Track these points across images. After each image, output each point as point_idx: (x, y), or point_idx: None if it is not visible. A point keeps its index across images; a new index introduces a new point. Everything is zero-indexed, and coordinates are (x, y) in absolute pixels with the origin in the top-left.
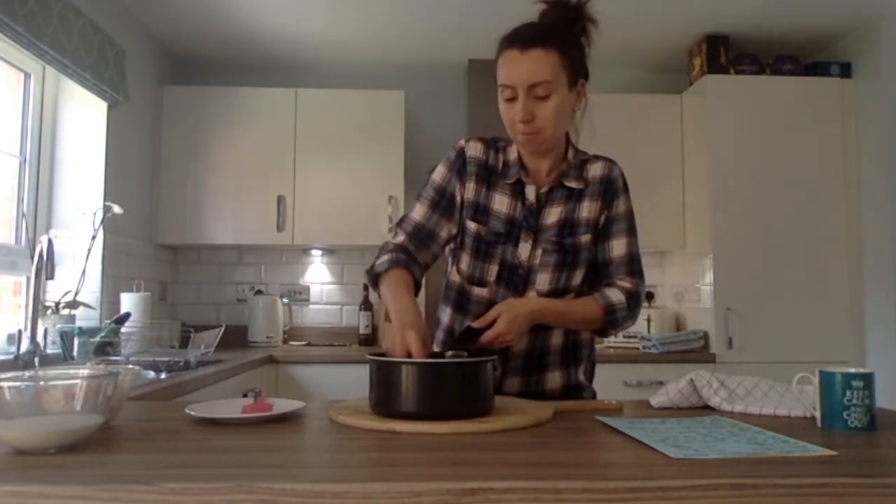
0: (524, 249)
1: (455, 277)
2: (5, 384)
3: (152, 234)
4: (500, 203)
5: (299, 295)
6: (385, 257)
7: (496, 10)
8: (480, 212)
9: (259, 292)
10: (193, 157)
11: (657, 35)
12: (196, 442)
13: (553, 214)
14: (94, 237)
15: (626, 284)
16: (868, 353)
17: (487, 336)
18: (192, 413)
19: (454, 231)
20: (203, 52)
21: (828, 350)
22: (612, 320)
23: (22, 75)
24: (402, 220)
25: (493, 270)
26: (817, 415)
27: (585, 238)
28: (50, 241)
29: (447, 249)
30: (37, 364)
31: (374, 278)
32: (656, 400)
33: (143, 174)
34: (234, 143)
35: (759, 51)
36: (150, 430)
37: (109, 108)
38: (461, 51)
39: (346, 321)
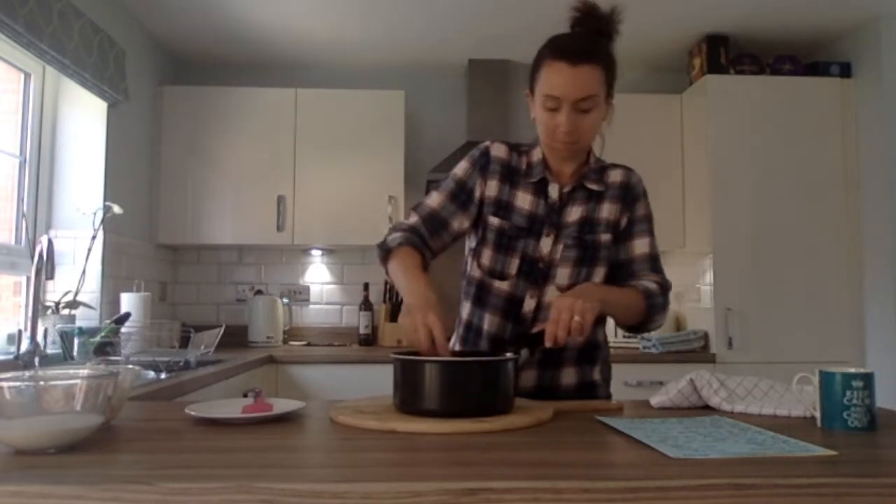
0: (545, 244)
1: (475, 273)
2: (5, 384)
3: (152, 234)
4: (523, 200)
5: (299, 295)
6: (398, 234)
7: (496, 11)
8: (503, 208)
9: (259, 292)
10: (193, 157)
11: (657, 35)
12: (196, 442)
13: (575, 213)
14: (94, 237)
15: (655, 277)
16: (868, 353)
17: (548, 333)
18: (192, 413)
19: (466, 225)
20: (203, 52)
21: (828, 350)
22: (651, 305)
23: (22, 75)
24: (417, 205)
25: (514, 264)
26: (817, 415)
27: (605, 237)
28: (50, 241)
29: (467, 248)
30: (37, 364)
31: (386, 253)
32: (656, 400)
33: (143, 174)
34: (234, 143)
35: (759, 51)
36: (150, 430)
37: (109, 108)
38: (461, 51)
39: (346, 321)
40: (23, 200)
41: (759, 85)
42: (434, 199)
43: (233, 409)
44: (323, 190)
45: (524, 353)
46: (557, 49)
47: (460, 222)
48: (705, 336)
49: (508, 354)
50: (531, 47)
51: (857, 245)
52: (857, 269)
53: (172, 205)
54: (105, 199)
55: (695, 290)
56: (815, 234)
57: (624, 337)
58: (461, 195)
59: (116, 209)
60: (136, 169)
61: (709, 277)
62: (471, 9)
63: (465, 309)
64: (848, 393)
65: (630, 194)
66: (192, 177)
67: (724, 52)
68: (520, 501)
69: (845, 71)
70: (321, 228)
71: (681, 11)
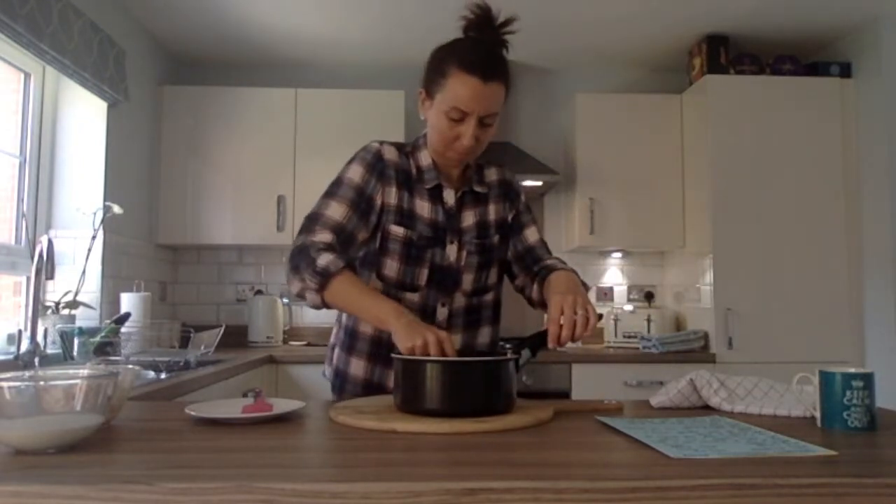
0: (451, 251)
1: (377, 285)
2: (5, 384)
3: (152, 234)
4: (422, 208)
5: None
6: (329, 256)
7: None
8: (406, 216)
9: (259, 292)
10: (193, 157)
11: (657, 35)
12: (196, 442)
13: (469, 217)
14: (94, 237)
15: (556, 257)
16: (868, 353)
17: (551, 335)
18: (192, 413)
19: (367, 236)
20: (203, 52)
21: (828, 350)
22: (582, 283)
23: (22, 75)
24: (316, 217)
25: (423, 274)
26: (817, 415)
27: (496, 238)
28: (50, 241)
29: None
30: (37, 364)
31: (326, 279)
32: (656, 400)
33: (143, 174)
34: (234, 143)
35: (759, 51)
36: (150, 430)
37: (109, 107)
38: None
39: None
40: (23, 200)
41: (759, 85)
42: (336, 211)
43: (233, 409)
44: (323, 190)
45: (525, 353)
46: (470, 63)
47: (363, 234)
48: (705, 336)
49: (509, 354)
50: (531, 48)
51: (857, 245)
52: (857, 269)
53: (172, 205)
54: (105, 199)
55: (695, 290)
56: (815, 234)
57: (624, 337)
58: (362, 204)
59: (116, 209)
60: (136, 169)
61: (709, 277)
62: None
63: (369, 324)
64: (848, 393)
65: (511, 190)
66: (191, 177)
67: (724, 52)
68: (520, 501)
69: (845, 71)
70: None
71: (681, 12)
